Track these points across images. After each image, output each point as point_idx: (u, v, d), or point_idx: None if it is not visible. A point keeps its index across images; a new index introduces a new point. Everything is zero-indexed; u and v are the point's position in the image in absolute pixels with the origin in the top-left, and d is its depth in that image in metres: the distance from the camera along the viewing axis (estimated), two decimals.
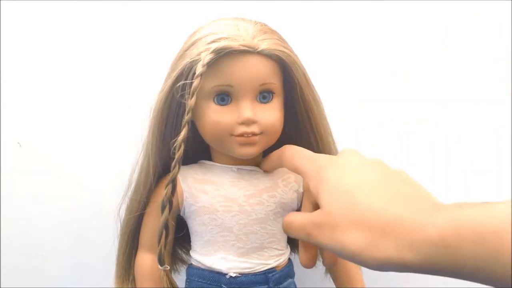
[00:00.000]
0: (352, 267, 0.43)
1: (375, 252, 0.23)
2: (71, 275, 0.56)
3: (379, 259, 0.23)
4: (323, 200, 0.28)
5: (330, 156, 0.32)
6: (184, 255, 0.48)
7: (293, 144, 0.42)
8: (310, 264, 0.33)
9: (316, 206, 0.30)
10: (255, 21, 0.38)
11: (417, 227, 0.22)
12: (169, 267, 0.38)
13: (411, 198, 0.25)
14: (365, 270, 0.44)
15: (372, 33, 0.54)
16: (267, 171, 0.40)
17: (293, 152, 0.35)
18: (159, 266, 0.37)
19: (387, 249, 0.23)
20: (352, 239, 0.25)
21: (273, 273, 0.40)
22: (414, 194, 0.26)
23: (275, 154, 0.38)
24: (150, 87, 0.40)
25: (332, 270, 0.44)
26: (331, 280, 0.44)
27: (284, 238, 0.42)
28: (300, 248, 0.35)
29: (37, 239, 0.55)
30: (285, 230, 0.33)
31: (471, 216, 0.21)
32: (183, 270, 0.46)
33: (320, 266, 0.47)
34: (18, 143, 0.54)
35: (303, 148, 0.35)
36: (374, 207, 0.25)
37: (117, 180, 0.42)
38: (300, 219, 0.30)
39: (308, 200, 0.35)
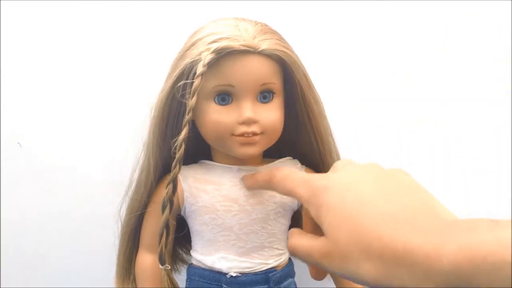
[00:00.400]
0: None
1: (391, 282, 0.23)
2: (71, 275, 0.56)
3: (396, 286, 0.23)
4: (327, 228, 0.27)
5: (324, 175, 0.30)
6: (184, 255, 0.48)
7: (293, 145, 0.42)
8: (320, 277, 0.32)
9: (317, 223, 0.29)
10: (256, 21, 0.38)
11: (429, 257, 0.22)
12: (170, 267, 0.38)
13: (416, 215, 0.24)
14: None
15: (372, 33, 0.54)
16: (248, 189, 0.39)
17: (285, 176, 0.33)
18: (160, 265, 0.37)
19: (403, 279, 0.22)
20: (365, 270, 0.24)
21: (274, 273, 0.40)
22: (418, 209, 0.25)
23: (261, 176, 0.36)
24: (150, 87, 0.40)
25: None
26: (331, 280, 0.44)
27: (284, 237, 0.42)
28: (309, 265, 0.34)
29: (37, 239, 0.55)
30: (291, 253, 0.31)
31: (483, 245, 0.21)
32: (183, 270, 0.46)
33: None
34: (18, 143, 0.54)
35: (294, 170, 0.34)
36: (382, 235, 0.23)
37: (118, 179, 0.42)
38: (306, 247, 0.28)
39: (307, 216, 0.33)
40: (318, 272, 0.32)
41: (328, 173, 0.30)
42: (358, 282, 0.25)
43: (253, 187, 0.38)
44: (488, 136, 0.54)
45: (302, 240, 0.29)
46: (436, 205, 0.26)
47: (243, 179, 0.39)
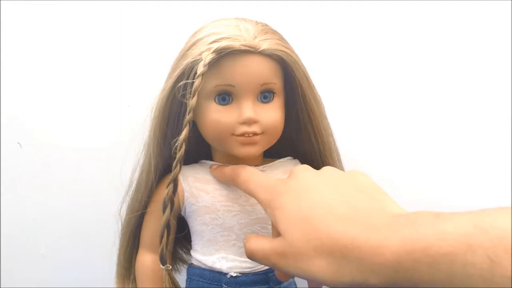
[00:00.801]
0: None
1: (342, 277, 0.24)
2: (71, 275, 0.56)
3: (347, 283, 0.24)
4: (282, 229, 0.28)
5: (283, 180, 0.31)
6: (184, 255, 0.48)
7: (294, 145, 0.42)
8: (284, 278, 0.34)
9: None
10: (256, 21, 0.38)
11: (374, 251, 0.23)
12: (171, 267, 0.38)
13: (366, 213, 0.25)
14: None
15: (372, 33, 0.54)
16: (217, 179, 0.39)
17: (248, 177, 0.34)
18: (161, 265, 0.37)
19: (352, 273, 0.23)
20: (317, 266, 0.25)
21: (274, 273, 0.40)
22: (368, 207, 0.26)
23: (228, 172, 0.37)
24: (151, 87, 0.40)
25: None
26: None
27: None
28: None
29: (37, 239, 0.55)
30: (249, 258, 0.31)
31: (424, 238, 0.21)
32: (183, 269, 0.46)
33: None
34: (18, 143, 0.54)
35: (256, 171, 0.35)
36: (332, 231, 0.25)
37: (118, 179, 0.42)
38: (262, 249, 0.29)
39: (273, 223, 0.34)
40: (282, 273, 0.32)
41: (287, 178, 0.31)
42: (312, 280, 0.26)
43: (220, 179, 0.39)
44: (489, 136, 0.54)
45: (259, 243, 0.30)
46: (387, 202, 0.27)
47: (210, 168, 0.40)
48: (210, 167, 0.40)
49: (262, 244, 0.29)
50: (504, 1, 0.53)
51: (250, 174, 0.34)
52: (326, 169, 0.31)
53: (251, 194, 0.33)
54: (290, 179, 0.30)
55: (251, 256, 0.30)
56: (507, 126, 0.54)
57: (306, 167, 0.32)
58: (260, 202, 0.32)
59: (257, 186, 0.32)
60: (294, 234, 0.26)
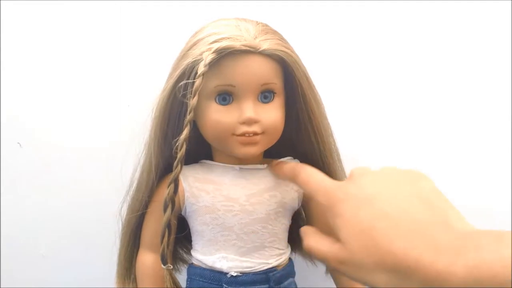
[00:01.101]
0: None
1: None
2: (71, 275, 0.56)
3: None
4: (343, 237, 0.28)
5: (342, 185, 0.31)
6: (185, 255, 0.48)
7: (294, 145, 0.42)
8: None
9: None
10: (257, 22, 0.38)
11: (440, 276, 0.23)
12: (172, 266, 0.38)
13: (429, 229, 0.25)
14: None
15: (372, 33, 0.54)
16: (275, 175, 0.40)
17: (307, 178, 0.34)
18: (162, 265, 0.37)
19: None
20: (379, 279, 0.25)
21: (274, 273, 0.40)
22: (431, 222, 0.26)
23: (289, 169, 0.37)
24: (151, 87, 0.40)
25: (332, 269, 0.44)
26: (332, 280, 0.45)
27: (285, 237, 0.42)
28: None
29: (37, 239, 0.55)
30: (307, 252, 0.32)
31: (490, 266, 0.22)
32: (184, 269, 0.46)
33: (320, 266, 0.47)
34: (18, 143, 0.54)
35: (316, 172, 0.34)
36: (394, 249, 0.25)
37: (118, 179, 0.42)
38: (321, 251, 0.30)
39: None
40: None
41: (346, 182, 0.31)
42: None
43: (279, 176, 0.39)
44: (489, 137, 0.54)
45: (319, 242, 0.30)
46: (451, 215, 0.26)
47: (271, 165, 0.40)
48: (272, 163, 0.40)
49: (322, 245, 0.30)
50: (504, 1, 0.53)
51: (309, 174, 0.34)
52: (385, 171, 0.30)
53: (310, 195, 0.33)
54: (349, 184, 0.30)
55: (309, 252, 0.31)
56: (507, 126, 0.54)
57: (365, 170, 0.31)
58: (319, 203, 0.31)
59: (316, 188, 0.32)
60: (355, 245, 0.27)
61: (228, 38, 0.35)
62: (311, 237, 0.32)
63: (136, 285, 0.43)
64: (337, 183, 0.32)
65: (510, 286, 0.21)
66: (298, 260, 0.49)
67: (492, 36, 0.53)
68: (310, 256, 0.32)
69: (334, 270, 0.30)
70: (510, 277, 0.21)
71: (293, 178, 0.36)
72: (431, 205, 0.27)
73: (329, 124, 0.41)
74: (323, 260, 0.30)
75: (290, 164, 0.38)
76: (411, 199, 0.27)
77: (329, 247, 0.29)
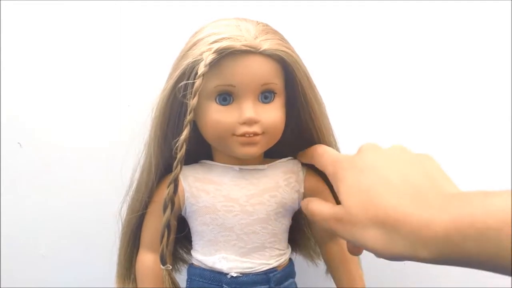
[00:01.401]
0: (353, 267, 0.43)
1: (392, 248, 0.26)
2: (71, 275, 0.56)
3: (396, 255, 0.26)
4: (342, 198, 0.30)
5: (349, 157, 0.33)
6: (185, 255, 0.48)
7: (295, 145, 0.42)
8: (356, 252, 0.35)
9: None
10: (257, 22, 0.38)
11: (425, 226, 0.24)
12: (171, 267, 0.38)
13: (423, 192, 0.27)
14: (366, 270, 0.44)
15: (372, 33, 0.54)
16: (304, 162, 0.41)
17: (322, 152, 0.37)
18: (161, 265, 0.37)
19: (403, 245, 0.25)
20: (370, 236, 0.27)
21: (274, 273, 0.40)
22: (427, 187, 0.27)
23: (309, 149, 0.39)
24: (151, 87, 0.40)
25: (332, 269, 0.44)
26: (332, 280, 0.45)
27: (285, 238, 0.42)
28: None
29: (37, 239, 0.55)
30: (309, 217, 0.35)
31: (472, 214, 0.23)
32: (184, 269, 0.46)
33: (320, 266, 0.47)
34: (19, 143, 0.54)
35: (330, 149, 0.37)
36: (386, 204, 0.27)
37: (118, 179, 0.42)
38: (322, 212, 0.33)
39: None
40: (354, 248, 0.35)
41: (353, 155, 0.33)
42: (365, 248, 0.28)
43: (303, 160, 0.41)
44: (489, 137, 0.54)
45: (320, 206, 0.33)
46: (447, 185, 0.28)
47: (299, 156, 0.42)
48: (298, 155, 0.41)
49: (323, 208, 0.33)
50: (504, 1, 0.53)
51: (323, 150, 0.37)
52: (394, 149, 0.32)
53: (321, 167, 0.36)
54: (356, 155, 0.32)
55: (311, 216, 0.34)
56: (507, 126, 0.54)
57: (374, 146, 0.33)
58: (328, 174, 0.34)
59: (327, 160, 0.35)
60: (353, 203, 0.29)
61: (229, 38, 0.35)
62: (314, 202, 0.34)
63: (136, 285, 0.43)
64: (346, 156, 0.34)
65: (490, 232, 0.21)
66: (299, 261, 0.49)
67: (492, 36, 0.53)
68: (311, 219, 0.35)
69: (331, 231, 0.31)
70: (489, 223, 0.22)
71: (312, 155, 0.38)
72: (431, 178, 0.28)
73: (330, 124, 0.41)
74: (322, 221, 0.32)
75: (312, 146, 0.39)
76: (413, 171, 0.29)
77: (328, 209, 0.32)
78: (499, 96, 0.54)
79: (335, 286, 0.44)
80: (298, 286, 0.43)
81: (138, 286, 0.42)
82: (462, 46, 0.54)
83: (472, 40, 0.54)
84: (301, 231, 0.48)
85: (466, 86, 0.55)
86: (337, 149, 0.42)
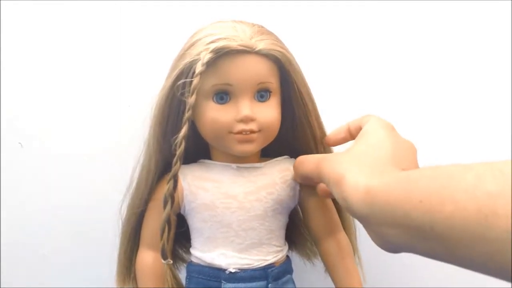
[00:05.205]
0: (350, 263, 0.43)
1: (338, 200, 0.32)
2: (71, 274, 0.56)
3: (340, 202, 0.32)
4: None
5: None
6: (184, 254, 0.48)
7: (290, 143, 0.43)
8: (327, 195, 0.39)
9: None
10: (253, 23, 0.39)
11: (347, 191, 0.29)
12: (172, 261, 0.38)
13: (375, 165, 0.30)
14: (366, 270, 0.45)
15: (371, 34, 0.54)
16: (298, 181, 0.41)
17: (302, 160, 0.39)
18: (162, 260, 0.37)
19: (340, 199, 0.31)
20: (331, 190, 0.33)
21: (272, 269, 0.41)
22: (383, 162, 0.31)
23: (294, 170, 0.40)
24: (150, 86, 0.41)
25: (329, 266, 0.44)
26: (330, 279, 0.45)
27: (282, 234, 0.43)
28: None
29: (37, 238, 0.55)
30: (296, 166, 0.39)
31: (385, 183, 0.27)
32: (183, 268, 0.47)
33: (319, 266, 0.48)
34: (19, 143, 0.55)
35: (310, 155, 0.39)
36: (338, 168, 0.32)
37: (119, 178, 0.42)
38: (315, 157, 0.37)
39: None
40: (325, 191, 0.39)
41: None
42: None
43: (300, 180, 0.42)
44: (490, 137, 0.54)
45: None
46: (407, 165, 0.31)
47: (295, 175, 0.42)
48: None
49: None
50: (504, 1, 0.53)
51: (303, 157, 0.39)
52: (388, 130, 0.35)
53: (308, 171, 0.38)
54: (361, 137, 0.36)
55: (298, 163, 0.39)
56: (507, 126, 0.54)
57: (382, 126, 0.36)
58: (314, 172, 0.36)
59: (309, 160, 0.38)
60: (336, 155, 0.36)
61: (225, 39, 0.36)
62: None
63: (136, 284, 0.43)
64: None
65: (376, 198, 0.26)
66: (297, 260, 0.50)
67: (492, 36, 0.54)
68: (299, 171, 0.39)
69: (316, 168, 0.35)
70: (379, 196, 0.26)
71: (296, 170, 0.40)
72: (398, 157, 0.32)
73: (322, 121, 0.42)
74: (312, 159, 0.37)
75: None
76: (386, 148, 0.32)
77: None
78: (499, 96, 0.54)
79: (333, 286, 0.44)
80: (296, 285, 0.43)
81: (138, 284, 0.43)
82: (462, 46, 0.54)
83: (472, 40, 0.54)
84: (297, 230, 0.49)
85: (466, 86, 0.55)
86: (331, 148, 0.43)
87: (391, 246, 0.28)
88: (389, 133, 0.35)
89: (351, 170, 0.30)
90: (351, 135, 0.40)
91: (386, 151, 0.32)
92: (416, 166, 0.32)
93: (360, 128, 0.37)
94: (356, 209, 0.28)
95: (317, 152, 0.42)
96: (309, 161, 0.37)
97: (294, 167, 0.40)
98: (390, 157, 0.31)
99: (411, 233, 0.25)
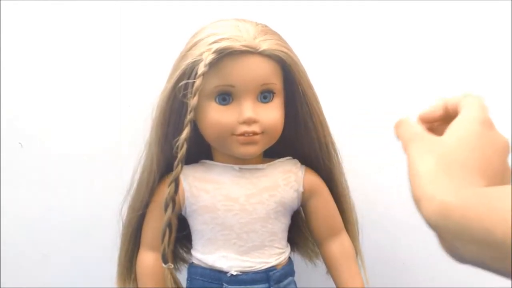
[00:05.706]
0: (352, 264, 0.43)
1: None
2: (72, 275, 0.56)
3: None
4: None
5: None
6: (185, 254, 0.48)
7: (294, 144, 0.42)
8: None
9: None
10: (256, 22, 0.38)
11: (427, 198, 0.27)
12: (172, 266, 0.38)
13: (461, 170, 0.28)
14: (367, 270, 0.44)
15: (372, 33, 0.54)
16: None
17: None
18: (162, 264, 0.37)
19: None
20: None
21: (274, 272, 0.40)
22: (468, 167, 0.28)
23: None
24: (151, 87, 0.40)
25: (331, 267, 0.44)
26: (331, 280, 0.45)
27: (284, 237, 0.42)
28: None
29: (38, 238, 0.55)
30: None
31: (459, 200, 0.25)
32: (184, 269, 0.46)
33: (321, 267, 0.47)
34: (20, 143, 0.54)
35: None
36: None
37: (119, 179, 0.42)
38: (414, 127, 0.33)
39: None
40: None
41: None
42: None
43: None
44: None
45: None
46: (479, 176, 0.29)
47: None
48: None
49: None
50: (504, 1, 0.53)
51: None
52: (482, 128, 0.32)
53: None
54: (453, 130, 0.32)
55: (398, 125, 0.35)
56: (507, 126, 0.54)
57: (477, 125, 0.32)
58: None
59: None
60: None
61: (228, 39, 0.35)
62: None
63: (137, 285, 0.43)
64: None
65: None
66: (298, 260, 0.49)
67: (492, 36, 0.53)
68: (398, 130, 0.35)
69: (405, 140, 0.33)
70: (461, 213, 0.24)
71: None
72: (487, 161, 0.29)
73: (327, 123, 0.42)
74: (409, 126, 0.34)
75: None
76: (476, 149, 0.29)
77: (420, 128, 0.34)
78: (499, 96, 0.54)
79: (334, 286, 0.44)
80: (297, 286, 0.43)
81: (139, 285, 0.42)
82: (462, 46, 0.54)
83: (472, 40, 0.54)
84: (299, 231, 0.48)
85: (466, 86, 0.55)
86: (335, 150, 0.43)
87: (462, 259, 0.28)
88: (485, 130, 0.32)
89: (431, 182, 0.28)
90: (449, 115, 0.36)
91: (474, 155, 0.29)
92: (507, 169, 0.30)
93: (457, 109, 0.34)
94: (428, 220, 0.27)
95: (321, 153, 0.42)
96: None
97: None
98: (477, 163, 0.29)
99: (489, 250, 0.24)
